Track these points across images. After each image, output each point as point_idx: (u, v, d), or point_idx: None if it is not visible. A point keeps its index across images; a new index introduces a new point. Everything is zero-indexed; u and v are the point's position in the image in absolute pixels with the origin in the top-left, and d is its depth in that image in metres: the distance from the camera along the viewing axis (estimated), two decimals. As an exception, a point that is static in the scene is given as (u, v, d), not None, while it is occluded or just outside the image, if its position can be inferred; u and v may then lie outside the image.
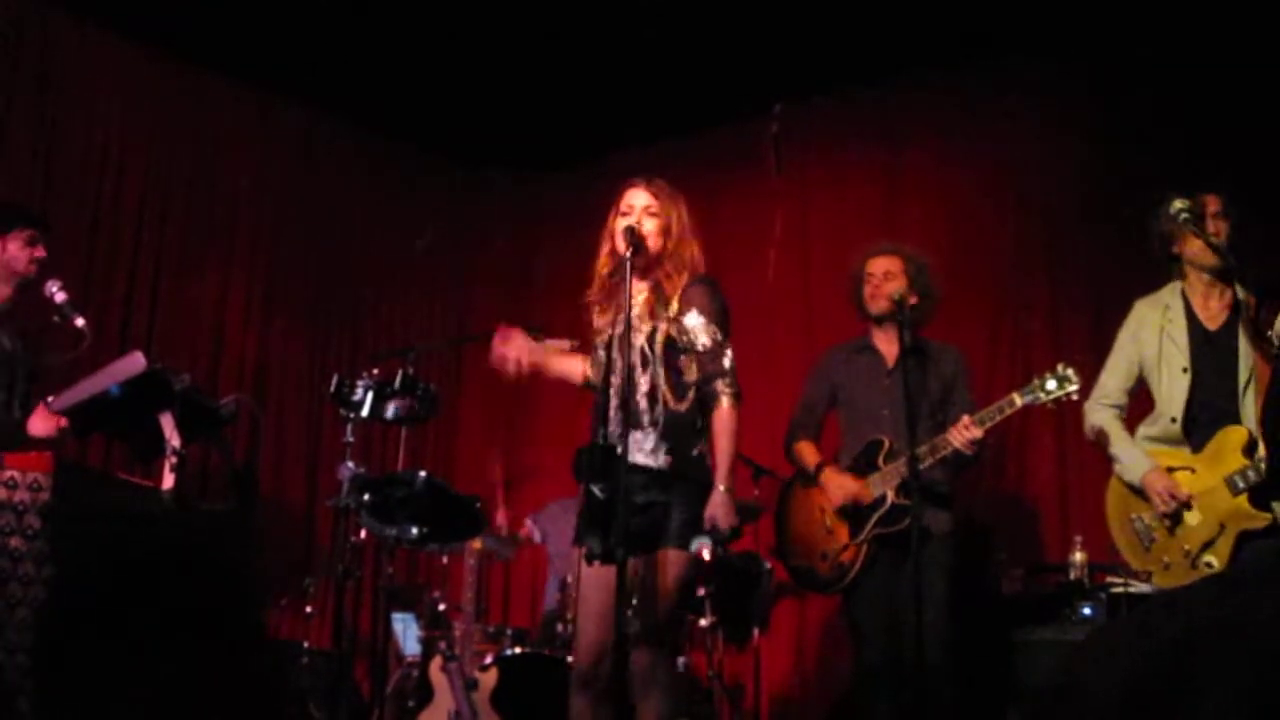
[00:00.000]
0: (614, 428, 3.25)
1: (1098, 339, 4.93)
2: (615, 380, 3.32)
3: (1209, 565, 3.38)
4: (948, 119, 5.81)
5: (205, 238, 6.05)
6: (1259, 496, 3.31)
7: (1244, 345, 3.45)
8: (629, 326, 3.21)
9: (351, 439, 4.34)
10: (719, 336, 3.35)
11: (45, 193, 5.27)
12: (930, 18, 5.34)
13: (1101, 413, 3.77)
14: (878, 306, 4.13)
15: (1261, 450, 3.29)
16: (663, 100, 6.14)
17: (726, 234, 5.67)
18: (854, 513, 4.02)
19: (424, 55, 5.90)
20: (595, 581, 3.18)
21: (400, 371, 4.16)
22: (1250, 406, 3.39)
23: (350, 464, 4.18)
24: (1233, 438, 3.41)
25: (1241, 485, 3.34)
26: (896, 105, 5.98)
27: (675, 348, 3.35)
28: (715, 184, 6.19)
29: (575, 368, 3.64)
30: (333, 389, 4.17)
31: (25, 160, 5.34)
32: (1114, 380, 3.79)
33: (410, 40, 5.76)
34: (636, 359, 3.34)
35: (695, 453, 3.34)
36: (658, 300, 3.38)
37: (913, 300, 4.09)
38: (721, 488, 3.25)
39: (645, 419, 3.32)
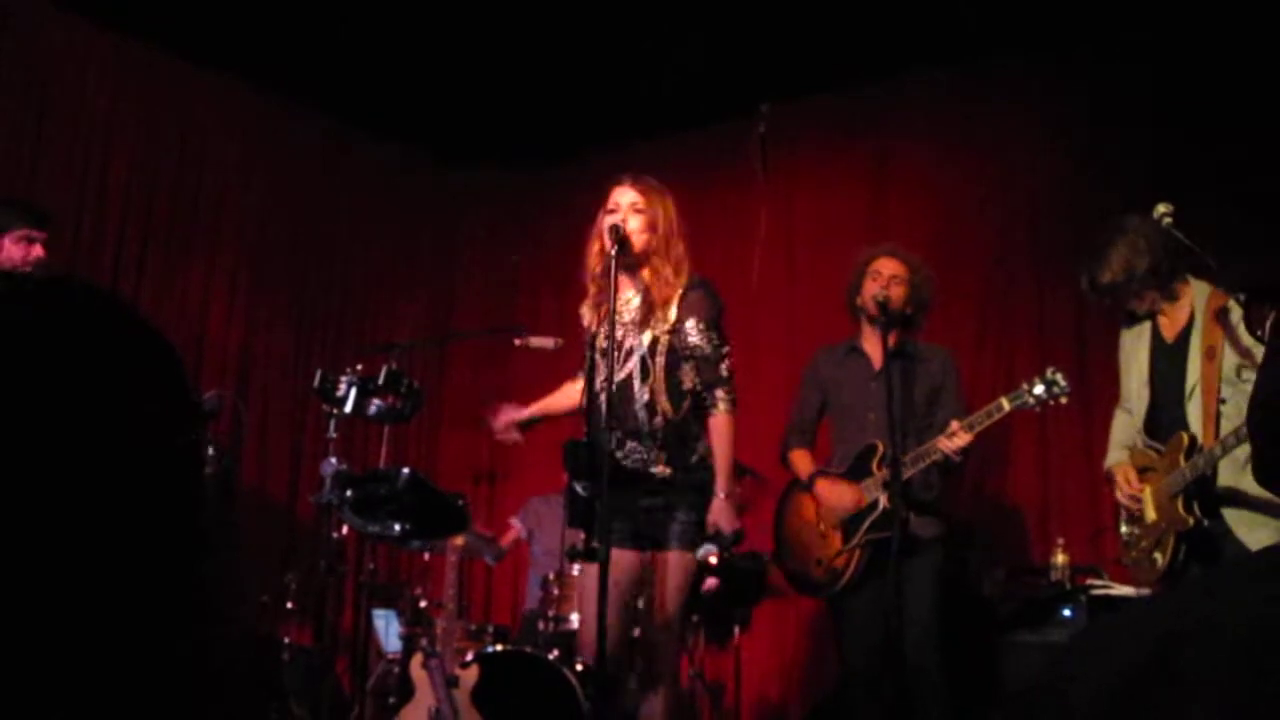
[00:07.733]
0: (605, 427, 3.24)
1: (1081, 338, 4.96)
2: (601, 379, 3.31)
3: (1154, 561, 3.48)
4: (934, 119, 5.82)
5: (189, 232, 6.01)
6: (1189, 500, 3.40)
7: (1192, 353, 3.51)
8: (614, 324, 3.20)
9: (335, 435, 4.32)
10: (717, 342, 3.33)
11: (29, 184, 5.23)
12: (917, 18, 5.35)
13: (1115, 416, 3.85)
14: (873, 307, 4.07)
15: (1201, 449, 3.37)
16: (649, 98, 6.13)
17: (711, 233, 5.66)
18: (848, 520, 4.03)
19: (410, 51, 5.87)
20: (597, 581, 3.16)
21: (384, 368, 4.14)
22: (1194, 411, 3.47)
23: (333, 460, 4.17)
24: (1176, 442, 3.49)
25: (1175, 489, 3.42)
26: (882, 106, 5.99)
27: (675, 357, 3.33)
28: (701, 183, 6.17)
29: (574, 395, 3.60)
30: (316, 384, 4.15)
31: (10, 151, 5.29)
32: (1123, 385, 3.85)
33: (396, 36, 5.73)
34: (635, 368, 3.32)
35: (694, 459, 3.33)
36: (653, 306, 3.35)
37: (908, 310, 4.11)
38: (722, 494, 3.26)
39: (644, 429, 3.30)
